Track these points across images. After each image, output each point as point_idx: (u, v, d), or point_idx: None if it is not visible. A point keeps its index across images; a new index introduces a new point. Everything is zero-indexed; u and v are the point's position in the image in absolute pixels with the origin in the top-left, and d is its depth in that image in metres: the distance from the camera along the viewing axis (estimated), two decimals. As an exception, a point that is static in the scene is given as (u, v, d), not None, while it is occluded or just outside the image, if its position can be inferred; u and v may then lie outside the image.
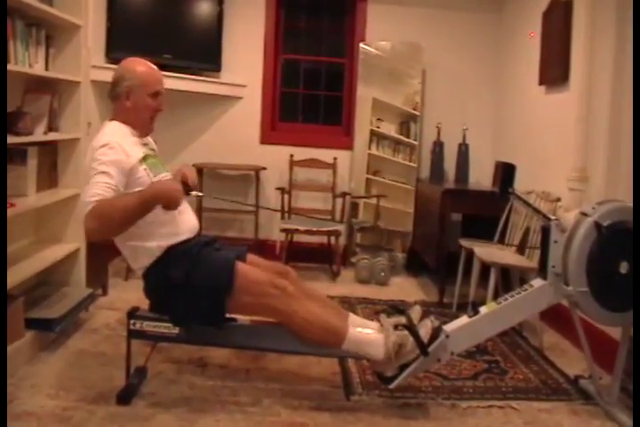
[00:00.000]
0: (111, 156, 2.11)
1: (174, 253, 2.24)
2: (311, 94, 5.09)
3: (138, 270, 2.31)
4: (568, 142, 3.28)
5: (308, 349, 2.36)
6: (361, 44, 4.69)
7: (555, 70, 3.61)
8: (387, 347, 2.23)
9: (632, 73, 2.74)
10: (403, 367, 2.26)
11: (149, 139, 2.47)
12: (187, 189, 2.31)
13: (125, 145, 2.19)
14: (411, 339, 2.23)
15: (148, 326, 2.29)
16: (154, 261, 2.24)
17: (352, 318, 2.45)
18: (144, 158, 2.24)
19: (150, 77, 2.31)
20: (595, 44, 3.12)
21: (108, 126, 2.29)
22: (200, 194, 2.54)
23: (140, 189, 2.13)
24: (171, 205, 2.10)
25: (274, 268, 2.50)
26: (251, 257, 2.51)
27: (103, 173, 2.06)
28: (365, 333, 2.30)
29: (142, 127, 2.34)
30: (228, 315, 2.30)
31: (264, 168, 4.69)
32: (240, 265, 2.29)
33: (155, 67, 2.37)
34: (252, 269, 2.33)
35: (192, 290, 2.20)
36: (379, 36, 4.73)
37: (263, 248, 4.70)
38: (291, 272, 2.50)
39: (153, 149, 2.44)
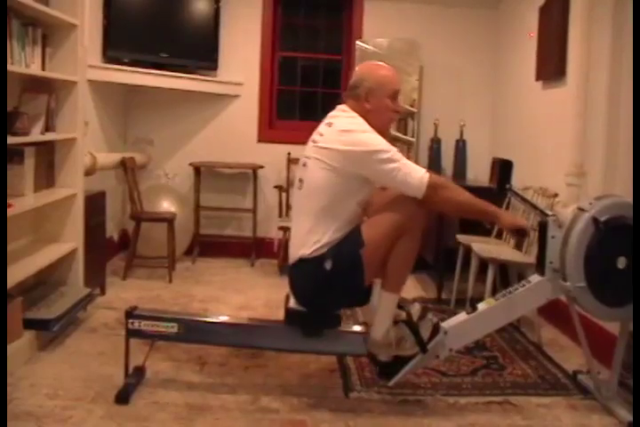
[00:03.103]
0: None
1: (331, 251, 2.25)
2: (308, 92, 5.09)
3: (296, 255, 2.28)
4: (565, 138, 3.28)
5: (305, 347, 2.36)
6: (357, 42, 4.68)
7: (552, 65, 3.61)
8: (387, 334, 2.26)
9: (630, 67, 2.74)
10: (397, 359, 2.28)
11: None
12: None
13: None
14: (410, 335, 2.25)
15: (147, 325, 2.29)
16: (314, 255, 2.23)
17: None
18: None
19: (388, 79, 2.35)
20: (592, 38, 3.11)
21: (358, 119, 2.32)
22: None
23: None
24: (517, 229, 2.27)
25: None
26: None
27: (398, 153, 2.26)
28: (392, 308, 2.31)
29: (380, 128, 2.38)
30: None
31: (262, 166, 4.69)
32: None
33: (392, 68, 2.41)
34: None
35: (336, 273, 2.21)
36: (375, 33, 4.72)
37: (261, 246, 4.71)
38: None
39: None
